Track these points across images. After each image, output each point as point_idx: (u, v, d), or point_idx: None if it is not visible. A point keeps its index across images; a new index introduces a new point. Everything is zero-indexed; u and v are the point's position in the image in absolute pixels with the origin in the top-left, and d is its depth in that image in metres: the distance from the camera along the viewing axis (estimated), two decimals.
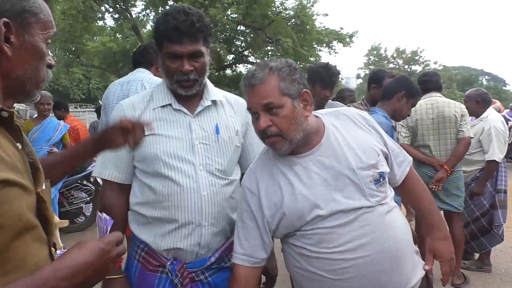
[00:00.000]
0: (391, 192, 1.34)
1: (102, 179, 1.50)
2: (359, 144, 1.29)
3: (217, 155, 1.45)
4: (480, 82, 50.06)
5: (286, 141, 1.23)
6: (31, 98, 0.87)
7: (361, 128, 1.34)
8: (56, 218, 0.93)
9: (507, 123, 4.57)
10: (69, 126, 4.68)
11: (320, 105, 2.89)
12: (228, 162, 1.48)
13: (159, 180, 1.40)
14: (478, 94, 3.74)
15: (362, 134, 1.32)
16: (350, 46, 16.05)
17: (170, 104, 1.45)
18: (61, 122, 4.65)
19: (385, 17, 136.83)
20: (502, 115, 6.21)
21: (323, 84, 2.86)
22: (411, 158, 1.46)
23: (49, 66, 0.88)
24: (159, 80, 2.68)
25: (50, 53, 0.87)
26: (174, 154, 1.40)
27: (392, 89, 2.54)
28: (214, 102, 1.51)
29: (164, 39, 1.37)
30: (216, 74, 14.52)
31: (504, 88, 50.01)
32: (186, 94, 1.43)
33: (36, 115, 4.66)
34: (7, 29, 0.77)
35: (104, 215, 1.06)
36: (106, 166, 1.47)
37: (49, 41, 0.87)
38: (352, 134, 1.31)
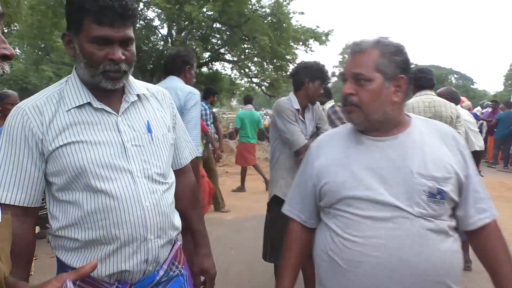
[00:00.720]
0: (450, 221, 1.25)
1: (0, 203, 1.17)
2: (433, 154, 1.23)
3: (153, 157, 1.26)
4: (449, 80, 51.56)
5: (362, 115, 1.23)
6: None
7: (446, 145, 1.28)
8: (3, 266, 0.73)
9: (477, 122, 4.89)
10: None
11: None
12: (166, 163, 1.32)
13: (89, 196, 1.17)
14: (448, 93, 3.88)
15: (443, 149, 1.26)
16: (326, 45, 16.15)
17: (89, 103, 1.20)
18: None
19: (359, 15, 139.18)
20: (472, 113, 6.46)
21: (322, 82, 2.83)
22: (496, 215, 1.32)
23: (5, 57, 0.70)
24: (189, 87, 2.82)
25: (4, 41, 0.69)
26: (105, 162, 1.17)
27: None
28: (138, 96, 1.30)
29: (89, 20, 1.11)
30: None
31: (472, 86, 51.69)
32: (114, 87, 1.20)
33: None
34: None
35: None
36: (5, 187, 1.15)
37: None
38: (432, 143, 1.26)
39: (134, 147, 1.23)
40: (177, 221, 1.38)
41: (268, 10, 14.79)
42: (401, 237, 1.16)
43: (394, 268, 1.15)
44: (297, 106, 2.73)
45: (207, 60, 16.74)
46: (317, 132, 2.83)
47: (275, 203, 2.66)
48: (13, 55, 0.70)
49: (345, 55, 42.00)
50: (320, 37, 15.91)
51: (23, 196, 1.17)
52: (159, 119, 1.34)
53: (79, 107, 1.20)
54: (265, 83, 17.09)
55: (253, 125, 7.38)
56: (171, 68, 2.94)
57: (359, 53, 1.24)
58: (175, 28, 14.70)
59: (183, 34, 14.43)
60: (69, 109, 1.19)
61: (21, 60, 24.42)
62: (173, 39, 14.58)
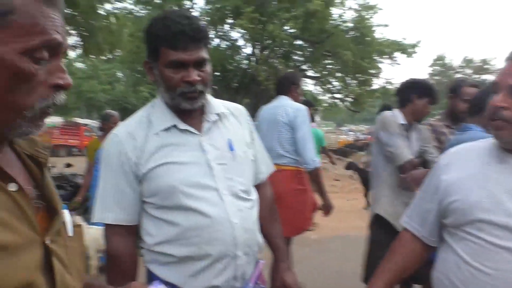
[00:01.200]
0: None
1: (105, 224, 1.29)
2: None
3: (237, 175, 1.30)
4: None
5: None
6: (16, 133, 0.65)
7: None
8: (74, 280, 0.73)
9: None
10: None
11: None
12: (249, 180, 1.35)
13: (182, 214, 1.22)
14: None
15: None
16: (412, 57, 15.37)
17: (174, 126, 1.26)
18: None
19: (449, 26, 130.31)
20: None
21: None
22: None
23: (58, 87, 0.66)
24: (297, 104, 3.11)
25: (61, 69, 0.66)
26: (194, 182, 1.22)
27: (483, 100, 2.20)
28: (218, 115, 1.34)
29: (164, 47, 1.19)
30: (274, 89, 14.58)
31: None
32: (192, 107, 1.25)
33: (101, 133, 4.88)
34: None
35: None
36: (108, 209, 1.26)
37: (45, 53, 0.63)
38: None
39: (219, 165, 1.27)
40: (260, 238, 1.41)
41: (350, 25, 14.56)
42: None
43: None
44: (403, 121, 2.57)
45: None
46: (421, 155, 2.63)
47: (378, 224, 2.53)
48: (67, 86, 0.67)
49: (436, 67, 39.48)
50: (406, 49, 15.20)
51: (125, 216, 1.26)
52: (239, 136, 1.37)
53: (166, 129, 1.26)
54: (348, 99, 16.73)
55: (317, 143, 7.28)
56: (279, 89, 3.26)
57: None
58: (258, 47, 15.15)
59: (265, 52, 14.81)
60: (157, 132, 1.26)
61: (122, 82, 27.06)
62: (257, 57, 15.03)
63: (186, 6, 15.03)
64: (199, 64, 1.22)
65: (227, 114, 1.38)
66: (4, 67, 0.59)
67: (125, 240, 1.28)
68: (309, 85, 18.58)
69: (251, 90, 15.15)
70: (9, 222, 0.61)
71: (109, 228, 1.28)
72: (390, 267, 1.31)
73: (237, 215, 1.26)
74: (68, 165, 5.30)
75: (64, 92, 0.68)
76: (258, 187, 1.49)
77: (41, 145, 0.77)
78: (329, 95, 17.68)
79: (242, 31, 14.34)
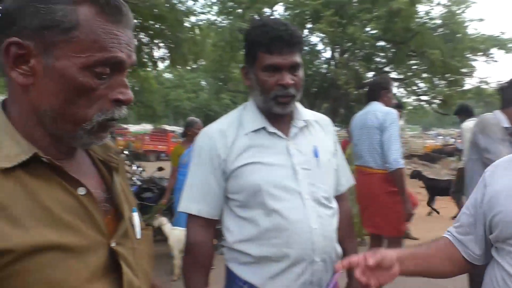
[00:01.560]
0: None
1: (188, 214, 1.36)
2: None
3: (320, 181, 1.32)
4: None
5: None
6: (76, 141, 0.68)
7: None
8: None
9: None
10: None
11: None
12: (331, 188, 1.36)
13: (264, 214, 1.26)
14: None
15: None
16: None
17: (263, 128, 1.32)
18: None
19: None
20: None
21: None
22: None
23: (119, 101, 0.67)
24: (387, 108, 3.19)
25: (123, 85, 0.68)
26: (278, 183, 1.26)
27: None
28: (305, 122, 1.38)
29: (261, 51, 1.25)
30: (355, 92, 14.14)
31: None
32: (283, 112, 1.30)
33: (184, 139, 5.10)
34: (25, 51, 0.62)
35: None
36: (193, 200, 1.33)
37: (106, 69, 0.65)
38: None
39: (303, 170, 1.30)
40: (339, 249, 1.39)
41: (439, 21, 13.63)
42: None
43: None
44: (506, 124, 2.35)
45: (370, 79, 16.36)
46: None
47: None
48: (128, 101, 0.68)
49: None
50: (505, 45, 13.78)
51: (208, 209, 1.33)
52: (324, 144, 1.39)
53: (255, 131, 1.32)
54: (436, 100, 15.65)
55: None
56: (370, 95, 3.41)
57: None
58: (337, 50, 14.87)
59: (345, 55, 14.48)
60: (247, 133, 1.32)
61: (205, 90, 28.39)
62: (336, 61, 14.76)
63: (266, 13, 15.32)
64: (293, 68, 1.26)
65: (313, 122, 1.42)
66: (65, 80, 0.62)
67: (205, 232, 1.34)
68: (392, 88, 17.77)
69: (330, 94, 14.90)
70: (75, 225, 0.64)
71: (192, 219, 1.35)
72: (418, 252, 1.22)
73: (317, 221, 1.27)
74: (160, 169, 5.68)
75: (126, 106, 0.70)
76: (337, 199, 1.48)
77: (113, 150, 0.81)
78: (415, 97, 16.70)
79: (321, 35, 14.20)
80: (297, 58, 1.26)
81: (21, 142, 0.64)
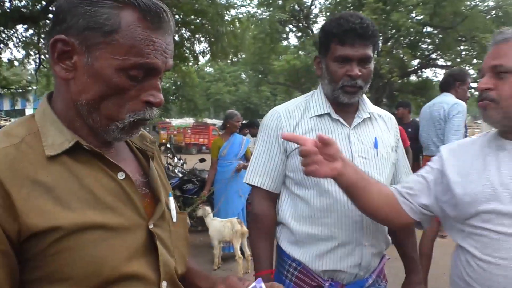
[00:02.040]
0: None
1: (252, 186, 1.44)
2: None
3: (376, 171, 1.35)
4: None
5: (500, 111, 1.09)
6: (108, 135, 0.72)
7: None
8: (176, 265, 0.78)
9: None
10: (250, 140, 5.06)
11: None
12: (386, 179, 1.38)
13: (318, 194, 1.31)
14: None
15: None
16: None
17: (328, 114, 1.37)
18: (244, 137, 5.04)
19: None
20: None
21: None
22: None
23: (150, 103, 0.71)
24: (455, 100, 3.21)
25: (155, 88, 0.71)
26: None
27: None
28: (370, 114, 1.42)
29: (334, 42, 1.30)
30: (399, 81, 13.68)
31: None
32: (349, 101, 1.33)
33: (223, 131, 5.16)
34: (70, 48, 0.67)
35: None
36: (258, 173, 1.41)
37: (138, 72, 0.68)
38: None
39: (361, 158, 1.35)
40: (388, 237, 1.42)
41: (491, 3, 12.84)
42: None
43: None
44: None
45: (416, 67, 15.74)
46: None
47: None
48: (158, 104, 0.71)
49: None
50: None
51: (270, 183, 1.40)
52: (385, 138, 1.43)
53: (320, 116, 1.38)
54: None
55: None
56: (444, 86, 3.46)
57: (502, 43, 1.10)
58: (381, 38, 14.42)
59: (389, 43, 14.00)
60: (312, 117, 1.38)
61: (245, 84, 28.56)
62: (379, 49, 14.32)
63: (307, 4, 15.10)
64: (363, 60, 1.30)
65: (377, 116, 1.47)
66: (101, 79, 0.67)
67: (268, 203, 1.41)
68: (439, 76, 16.97)
69: (372, 84, 14.44)
70: (116, 207, 0.69)
71: (256, 190, 1.43)
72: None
73: None
74: (202, 160, 5.78)
75: (157, 108, 0.74)
76: None
77: (149, 140, 0.86)
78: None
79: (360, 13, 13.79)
80: (369, 51, 1.29)
81: (64, 131, 0.69)
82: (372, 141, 1.38)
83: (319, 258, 1.31)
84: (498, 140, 1.15)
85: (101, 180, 0.69)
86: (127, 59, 0.67)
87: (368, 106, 1.43)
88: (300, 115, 1.39)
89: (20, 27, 8.36)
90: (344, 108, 1.37)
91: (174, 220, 0.82)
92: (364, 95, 1.42)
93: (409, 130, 5.10)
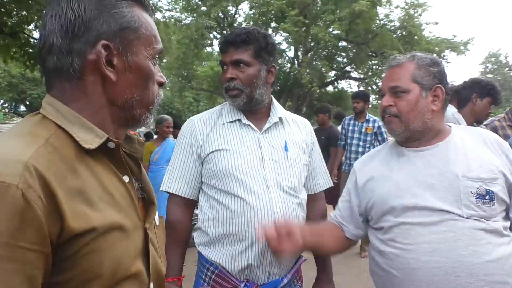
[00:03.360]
0: (504, 222, 1.24)
1: (169, 194, 1.46)
2: (477, 158, 1.25)
3: (286, 173, 1.42)
4: None
5: (402, 124, 1.28)
6: (143, 122, 0.78)
7: (489, 148, 1.29)
8: (160, 264, 0.81)
9: None
10: None
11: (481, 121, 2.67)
12: (297, 180, 1.45)
13: (231, 196, 1.36)
14: None
15: (486, 153, 1.27)
16: (464, 55, 14.71)
17: (239, 120, 1.44)
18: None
19: (503, 21, 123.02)
20: None
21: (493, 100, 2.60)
22: None
23: (160, 84, 0.78)
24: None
25: (159, 70, 0.78)
26: (245, 169, 1.36)
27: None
28: (280, 119, 1.50)
29: (220, 52, 1.45)
30: (318, 91, 14.43)
31: None
32: (233, 103, 1.43)
33: (155, 136, 5.06)
34: (108, 52, 0.70)
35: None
36: (174, 180, 1.44)
37: (157, 57, 0.77)
38: (475, 148, 1.28)
39: (271, 161, 1.41)
40: None
41: (397, 24, 14.19)
42: (454, 239, 1.16)
43: (450, 270, 1.15)
44: (464, 123, 2.48)
45: (332, 79, 16.76)
46: None
47: None
48: (165, 83, 0.80)
49: (488, 65, 37.48)
50: (458, 47, 14.57)
51: (186, 189, 1.44)
52: (296, 141, 1.49)
53: (231, 122, 1.45)
54: None
55: None
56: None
57: (395, 67, 1.30)
58: (301, 49, 15.12)
59: (309, 55, 14.75)
60: (224, 123, 1.44)
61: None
62: (300, 60, 15.00)
63: (231, 12, 15.29)
64: (236, 63, 1.39)
65: (289, 120, 1.54)
66: (141, 71, 0.73)
67: (183, 210, 1.45)
68: (353, 87, 18.28)
69: (294, 93, 15.12)
70: (126, 208, 0.71)
71: (172, 198, 1.46)
72: (314, 228, 1.43)
73: (280, 206, 1.37)
74: None
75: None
76: (313, 197, 1.59)
77: (136, 142, 0.85)
78: (374, 96, 17.30)
79: (286, 34, 14.37)
80: (241, 56, 1.38)
81: (94, 128, 0.69)
82: (282, 144, 1.45)
83: (234, 258, 1.35)
84: (398, 148, 1.36)
85: (113, 181, 0.70)
86: (153, 48, 0.75)
87: (278, 111, 1.50)
88: (214, 122, 1.45)
89: None
90: (254, 114, 1.45)
91: (157, 223, 0.84)
92: (274, 101, 1.52)
93: (322, 137, 4.94)
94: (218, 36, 16.15)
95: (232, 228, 1.35)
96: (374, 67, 15.44)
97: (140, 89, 0.74)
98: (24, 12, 5.59)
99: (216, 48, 21.09)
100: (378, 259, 1.30)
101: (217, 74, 17.98)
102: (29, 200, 0.55)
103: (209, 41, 15.82)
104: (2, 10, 5.56)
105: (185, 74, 16.75)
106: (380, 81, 15.41)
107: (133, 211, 0.73)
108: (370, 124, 4.63)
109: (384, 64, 14.15)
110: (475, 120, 2.53)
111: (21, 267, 0.55)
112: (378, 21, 13.96)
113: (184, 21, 14.71)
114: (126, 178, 0.74)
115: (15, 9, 5.63)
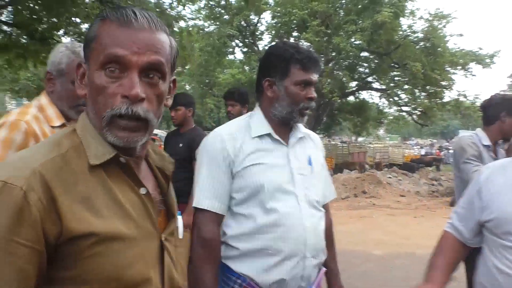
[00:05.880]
0: None
1: (198, 209, 1.41)
2: None
3: (313, 187, 1.45)
4: None
5: None
6: (105, 135, 0.73)
7: None
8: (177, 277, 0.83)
9: None
10: None
11: None
12: (321, 194, 1.49)
13: (262, 211, 1.36)
14: None
15: None
16: (490, 68, 14.42)
17: (269, 134, 1.44)
18: None
19: None
20: None
21: None
22: None
23: (124, 97, 0.71)
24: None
25: (136, 82, 0.71)
26: (277, 184, 1.38)
27: None
28: (302, 134, 1.53)
29: (296, 68, 1.41)
30: (338, 101, 14.37)
31: None
32: (302, 122, 1.46)
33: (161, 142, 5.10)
34: (78, 68, 0.77)
35: None
36: (206, 196, 1.40)
37: (111, 65, 0.71)
38: None
39: (299, 175, 1.43)
40: (325, 248, 1.50)
41: (421, 35, 14.04)
42: None
43: None
44: (487, 142, 2.39)
45: (354, 89, 16.66)
46: None
47: None
48: (132, 97, 0.72)
49: None
50: (484, 60, 14.29)
51: (219, 205, 1.40)
52: (316, 156, 1.54)
53: (261, 136, 1.44)
54: (416, 112, 16.05)
55: None
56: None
57: None
58: (322, 59, 15.12)
59: (330, 65, 14.73)
60: (254, 137, 1.43)
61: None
62: (321, 70, 14.98)
63: (253, 21, 15.45)
64: (314, 85, 1.45)
65: (307, 137, 1.57)
66: (90, 84, 0.74)
67: (216, 227, 1.41)
68: (374, 98, 18.12)
69: (314, 102, 15.08)
70: (138, 219, 0.74)
71: (204, 214, 1.40)
72: (442, 263, 1.42)
73: (310, 220, 1.39)
74: None
75: None
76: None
77: (168, 160, 0.90)
78: (396, 107, 17.09)
79: (307, 44, 14.41)
80: (316, 78, 1.46)
81: (104, 144, 0.74)
82: (307, 158, 1.48)
83: (265, 271, 1.35)
84: None
85: (126, 193, 0.74)
86: (104, 54, 0.71)
87: (300, 127, 1.52)
88: (243, 135, 1.43)
89: None
90: (281, 128, 1.46)
91: (180, 236, 0.89)
92: None
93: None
94: (240, 44, 16.33)
95: (264, 243, 1.35)
96: (396, 78, 15.28)
97: (93, 103, 0.74)
98: (54, 19, 5.81)
99: (238, 55, 21.28)
100: (488, 277, 1.28)
101: (238, 82, 18.14)
102: (29, 201, 0.63)
103: (230, 49, 16.01)
104: (34, 17, 5.80)
105: (207, 81, 16.99)
106: (402, 92, 15.21)
107: (147, 222, 0.76)
108: None
109: (406, 75, 14.00)
110: (503, 137, 2.42)
111: (14, 259, 0.62)
112: (400, 32, 13.84)
113: (206, 29, 14.92)
114: (143, 190, 0.77)
115: (45, 16, 5.86)
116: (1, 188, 0.63)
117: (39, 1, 5.63)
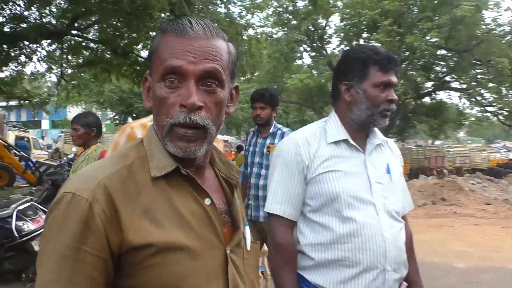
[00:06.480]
0: None
1: (271, 215, 1.40)
2: None
3: (392, 196, 1.37)
4: None
5: None
6: (167, 145, 0.76)
7: None
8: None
9: None
10: None
11: None
12: (401, 204, 1.41)
13: (339, 220, 1.31)
14: None
15: None
16: None
17: (345, 140, 1.39)
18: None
19: None
20: None
21: None
22: None
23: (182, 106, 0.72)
24: None
25: (193, 91, 0.72)
26: (355, 193, 1.32)
27: None
28: (380, 140, 1.46)
29: (374, 69, 1.35)
30: (413, 103, 13.66)
31: None
32: (384, 124, 1.40)
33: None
34: (145, 82, 0.80)
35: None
36: (278, 202, 1.38)
37: (170, 76, 0.73)
38: None
39: (377, 184, 1.36)
40: (407, 261, 1.41)
41: (507, 28, 12.87)
42: None
43: None
44: None
45: (429, 90, 15.73)
46: None
47: None
48: (190, 105, 0.72)
49: None
50: None
51: (292, 211, 1.38)
52: (394, 164, 1.47)
53: (337, 142, 1.39)
54: (503, 112, 14.70)
55: None
56: None
57: None
58: None
59: (403, 65, 14.06)
60: (330, 143, 1.39)
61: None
62: None
63: (321, 25, 15.30)
64: (394, 87, 1.39)
65: (384, 144, 1.50)
66: (154, 97, 0.76)
67: (289, 232, 1.39)
68: (453, 98, 16.94)
69: None
70: (200, 230, 0.73)
71: (276, 219, 1.39)
72: None
73: (390, 231, 1.32)
74: None
75: None
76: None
77: (235, 169, 0.89)
78: (478, 108, 15.80)
79: (378, 44, 13.91)
80: (396, 79, 1.39)
81: (167, 156, 0.75)
82: (385, 166, 1.41)
83: (343, 283, 1.30)
84: None
85: (189, 204, 0.74)
86: (163, 66, 0.73)
87: (377, 133, 1.46)
88: (318, 141, 1.39)
89: (44, 42, 8.64)
90: (358, 134, 1.40)
91: (248, 248, 0.85)
92: None
93: None
94: (308, 49, 16.24)
95: (341, 254, 1.30)
96: (479, 76, 14.14)
97: (155, 114, 0.77)
98: (134, 34, 6.26)
99: (306, 60, 21.17)
100: None
101: (306, 87, 18.04)
102: (94, 212, 0.66)
103: (298, 54, 16.00)
104: (117, 33, 6.29)
105: (275, 87, 17.12)
106: (486, 91, 14.09)
107: (210, 233, 0.75)
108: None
109: (490, 73, 12.90)
110: None
111: (83, 267, 0.65)
112: (483, 26, 12.80)
113: (274, 36, 15.07)
114: (207, 201, 0.76)
115: (126, 32, 6.33)
116: (70, 200, 0.67)
117: (121, 18, 6.10)
